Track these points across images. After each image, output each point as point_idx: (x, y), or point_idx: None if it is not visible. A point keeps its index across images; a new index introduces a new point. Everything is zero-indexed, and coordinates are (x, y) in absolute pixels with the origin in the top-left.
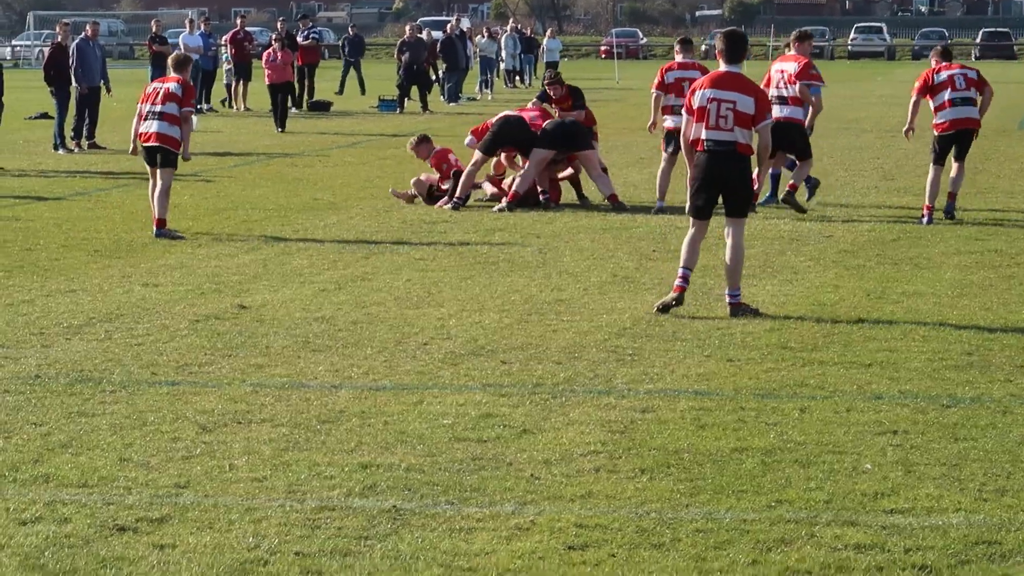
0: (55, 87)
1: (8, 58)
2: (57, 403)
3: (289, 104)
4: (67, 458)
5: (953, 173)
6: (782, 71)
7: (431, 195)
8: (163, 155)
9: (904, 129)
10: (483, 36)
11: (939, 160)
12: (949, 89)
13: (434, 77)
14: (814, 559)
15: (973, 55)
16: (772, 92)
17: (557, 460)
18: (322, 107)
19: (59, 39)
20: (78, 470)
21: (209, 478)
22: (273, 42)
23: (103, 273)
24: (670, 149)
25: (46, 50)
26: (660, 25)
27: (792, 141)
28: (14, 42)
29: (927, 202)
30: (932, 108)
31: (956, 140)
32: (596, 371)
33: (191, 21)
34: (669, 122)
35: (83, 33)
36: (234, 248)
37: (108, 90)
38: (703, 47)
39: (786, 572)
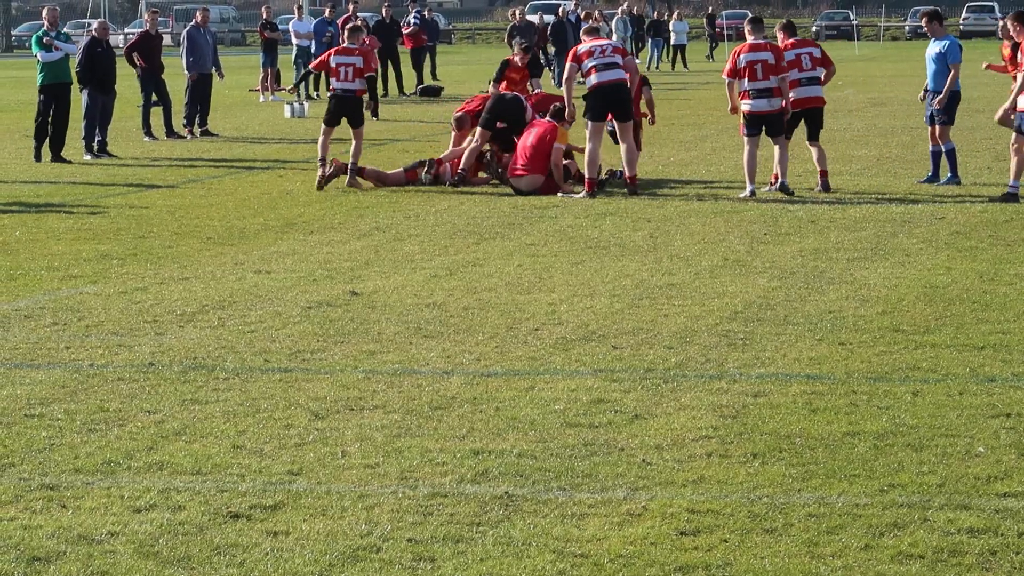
0: (142, 73)
1: (121, 46)
2: (171, 390)
3: (381, 91)
4: (181, 445)
5: (814, 153)
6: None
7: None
8: None
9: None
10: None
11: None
12: (796, 69)
13: (543, 61)
14: (927, 543)
15: (959, 31)
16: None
17: (669, 445)
18: (432, 92)
19: (147, 27)
20: (192, 457)
21: (322, 465)
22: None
23: (216, 260)
24: (750, 133)
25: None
26: (771, 6)
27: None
28: (127, 30)
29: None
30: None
31: (805, 117)
32: (707, 355)
33: (300, 7)
34: (746, 106)
35: (193, 20)
36: (345, 234)
37: (220, 75)
38: (813, 28)
39: (899, 556)
